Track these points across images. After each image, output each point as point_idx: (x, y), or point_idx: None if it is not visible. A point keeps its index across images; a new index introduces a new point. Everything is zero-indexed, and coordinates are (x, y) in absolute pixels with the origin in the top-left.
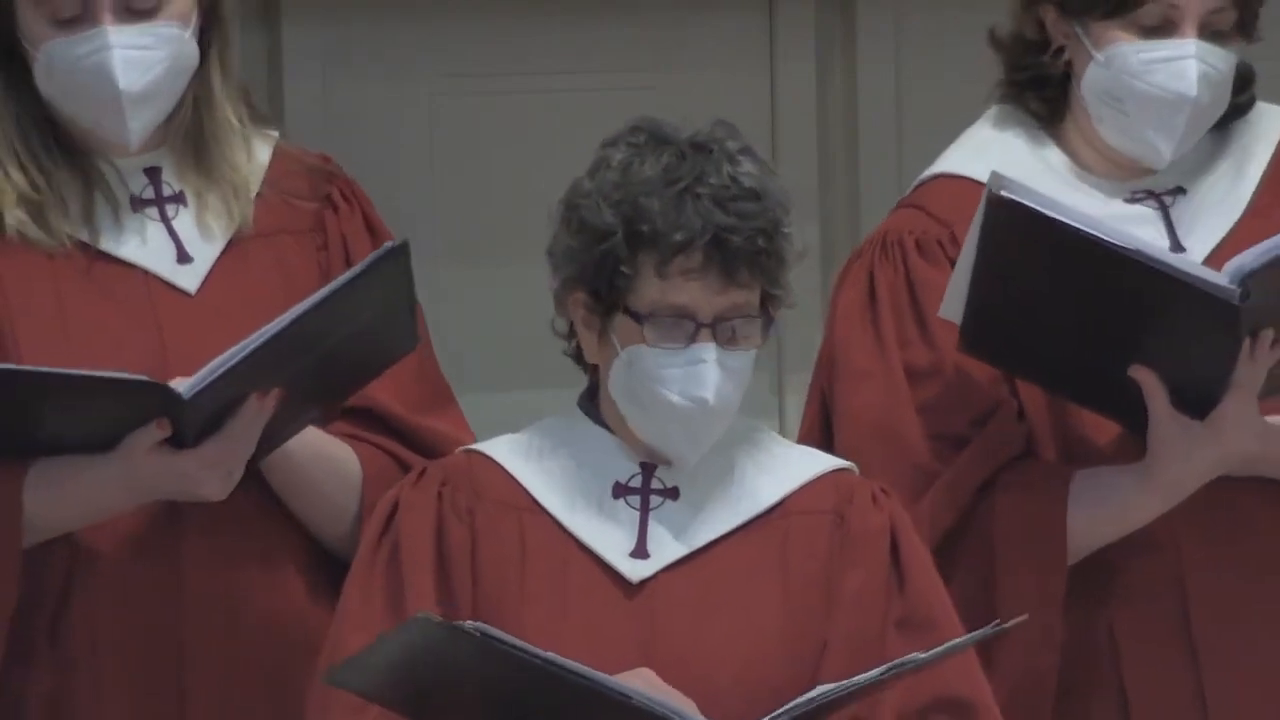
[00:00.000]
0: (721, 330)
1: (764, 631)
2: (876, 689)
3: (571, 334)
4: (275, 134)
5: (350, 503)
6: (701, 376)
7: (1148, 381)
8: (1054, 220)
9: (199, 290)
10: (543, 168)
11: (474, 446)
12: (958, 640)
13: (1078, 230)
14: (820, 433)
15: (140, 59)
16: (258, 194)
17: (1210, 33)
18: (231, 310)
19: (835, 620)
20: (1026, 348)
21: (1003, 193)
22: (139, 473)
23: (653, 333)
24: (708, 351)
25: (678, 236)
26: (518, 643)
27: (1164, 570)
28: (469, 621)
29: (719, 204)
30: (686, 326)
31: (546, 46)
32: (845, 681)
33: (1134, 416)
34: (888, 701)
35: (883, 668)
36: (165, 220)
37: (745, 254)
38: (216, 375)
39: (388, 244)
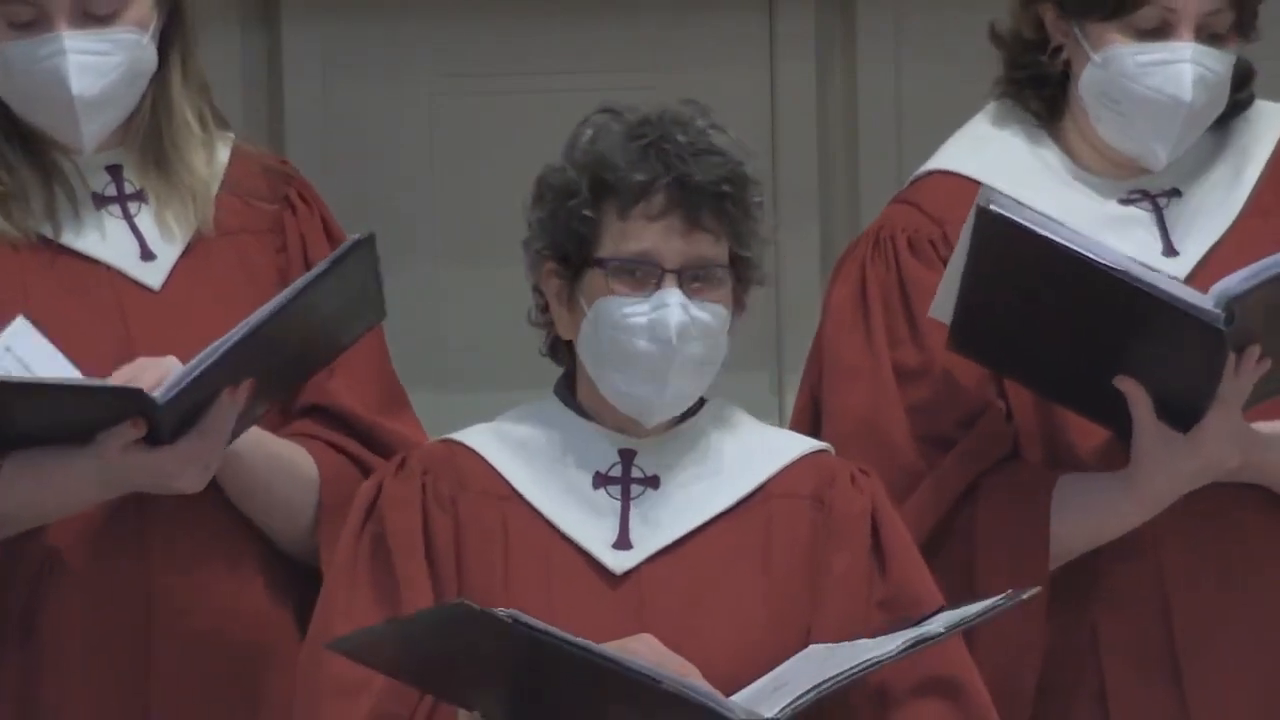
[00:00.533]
0: (687, 280)
1: (749, 618)
2: (888, 667)
3: (547, 322)
4: (232, 134)
5: (306, 504)
6: (665, 319)
7: (1133, 393)
8: (1043, 237)
9: (163, 286)
10: (542, 168)
11: (453, 436)
12: (976, 607)
13: (1066, 248)
14: (809, 428)
15: (96, 64)
16: (217, 194)
17: (1207, 35)
18: (195, 307)
19: (821, 604)
20: (1015, 351)
21: (992, 207)
22: (115, 469)
23: (617, 280)
24: (671, 295)
25: (639, 177)
26: (554, 631)
27: (1146, 575)
28: (502, 609)
29: (681, 157)
30: (651, 273)
31: (546, 46)
32: (868, 657)
33: (1119, 422)
34: (873, 679)
35: (903, 643)
36: (128, 217)
37: (709, 195)
38: (190, 379)
39: (354, 237)
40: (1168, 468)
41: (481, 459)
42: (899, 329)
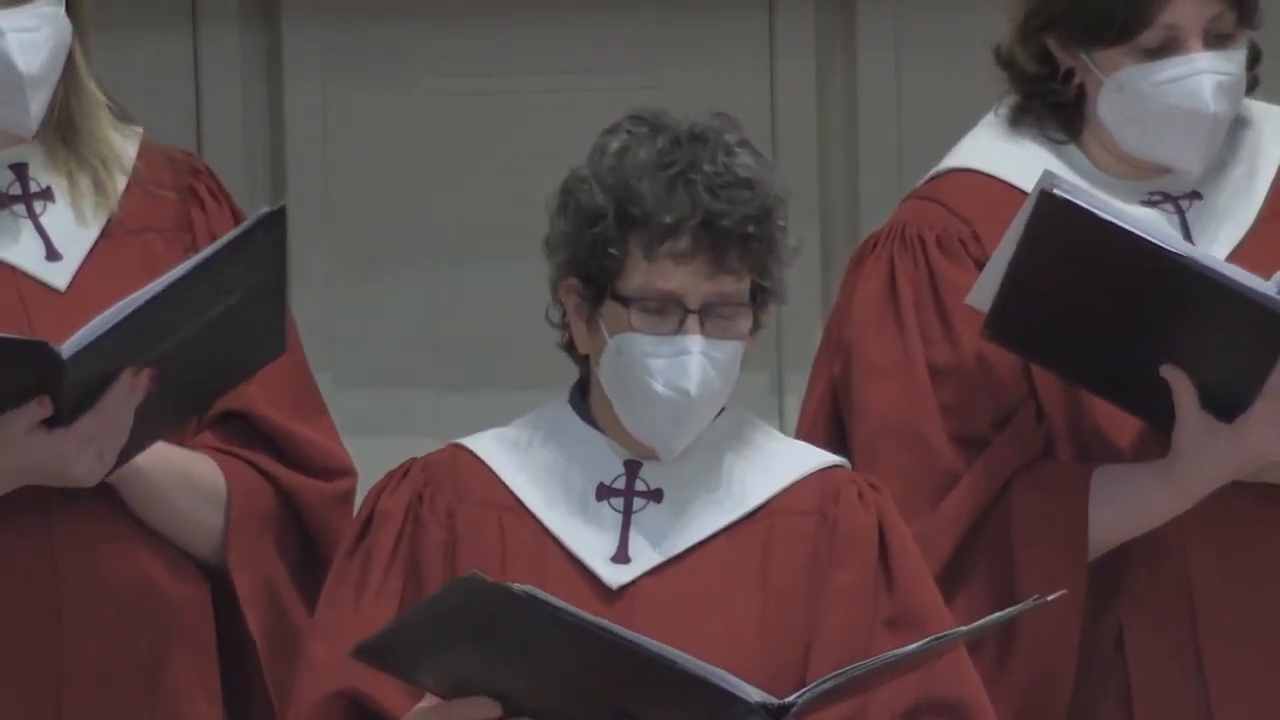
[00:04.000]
0: (709, 318)
1: (745, 635)
2: (906, 666)
3: (565, 324)
4: (140, 129)
5: (215, 519)
6: (686, 367)
7: (1179, 382)
8: (1107, 222)
9: (69, 288)
10: (543, 168)
11: (461, 441)
12: (997, 615)
13: (1131, 233)
14: (827, 422)
15: (31, 41)
16: (127, 186)
17: (1214, 37)
18: (100, 308)
19: (824, 618)
20: (1054, 339)
21: (1056, 191)
22: (12, 456)
23: (639, 318)
24: (694, 343)
25: (667, 219)
26: (567, 606)
27: (1171, 577)
28: (518, 585)
29: (710, 190)
30: (674, 312)
31: (546, 46)
32: (884, 655)
33: (1155, 413)
34: (877, 703)
35: (921, 643)
36: (33, 217)
37: (735, 238)
38: (96, 335)
39: (264, 209)
40: (1210, 457)
41: (485, 466)
42: (931, 327)
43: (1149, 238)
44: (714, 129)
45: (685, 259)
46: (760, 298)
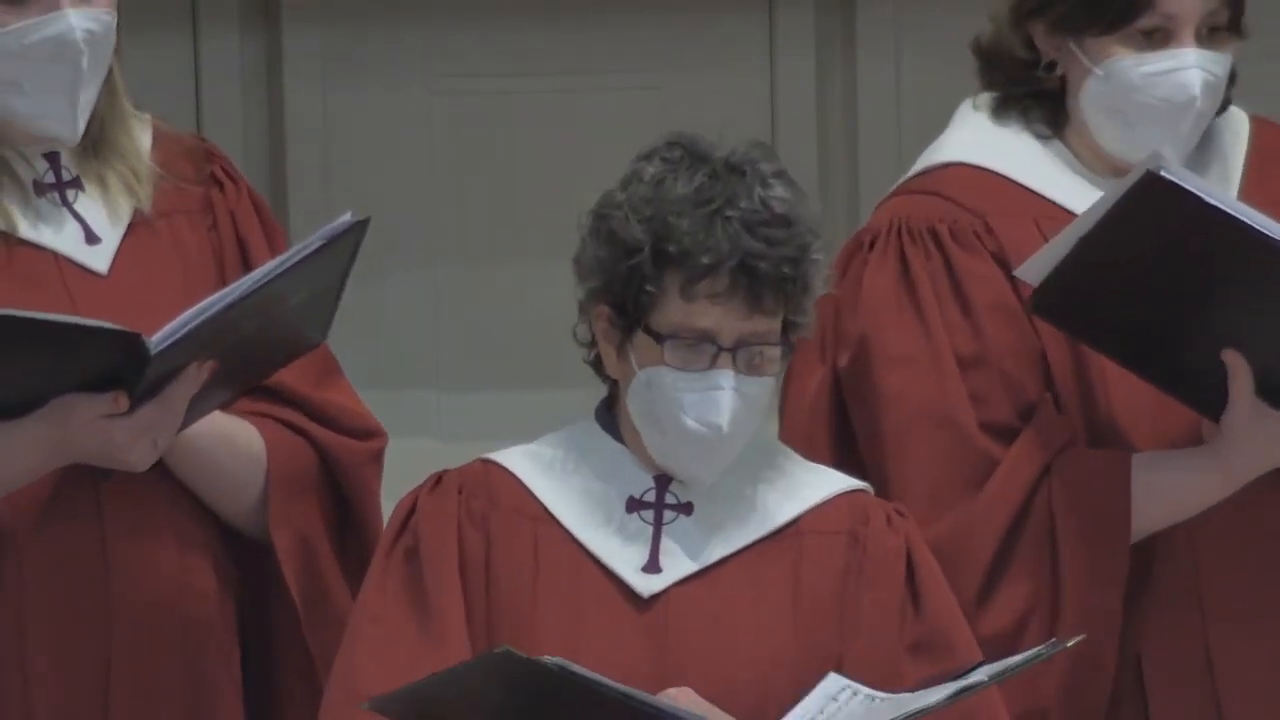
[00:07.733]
0: (742, 356)
1: (775, 648)
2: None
3: (593, 343)
4: (148, 115)
5: (254, 479)
6: (718, 403)
7: (1237, 365)
8: (1212, 207)
9: (110, 271)
10: (543, 168)
11: (490, 456)
12: (1017, 657)
13: (1235, 219)
14: (828, 413)
15: (96, 42)
16: (149, 175)
17: (1206, 32)
18: (142, 290)
19: (853, 640)
20: (1106, 318)
21: (1163, 173)
22: (71, 438)
23: (673, 354)
24: (726, 379)
25: (705, 259)
26: (598, 678)
27: (1181, 573)
28: (548, 657)
29: (749, 228)
30: (707, 350)
31: (546, 46)
32: (915, 707)
33: (1199, 398)
34: None
35: (948, 694)
36: (67, 204)
37: (772, 280)
38: (183, 332)
39: (348, 218)
40: (1261, 441)
41: (516, 479)
42: (953, 316)
43: (1255, 225)
44: (750, 160)
45: (721, 299)
46: (790, 332)
